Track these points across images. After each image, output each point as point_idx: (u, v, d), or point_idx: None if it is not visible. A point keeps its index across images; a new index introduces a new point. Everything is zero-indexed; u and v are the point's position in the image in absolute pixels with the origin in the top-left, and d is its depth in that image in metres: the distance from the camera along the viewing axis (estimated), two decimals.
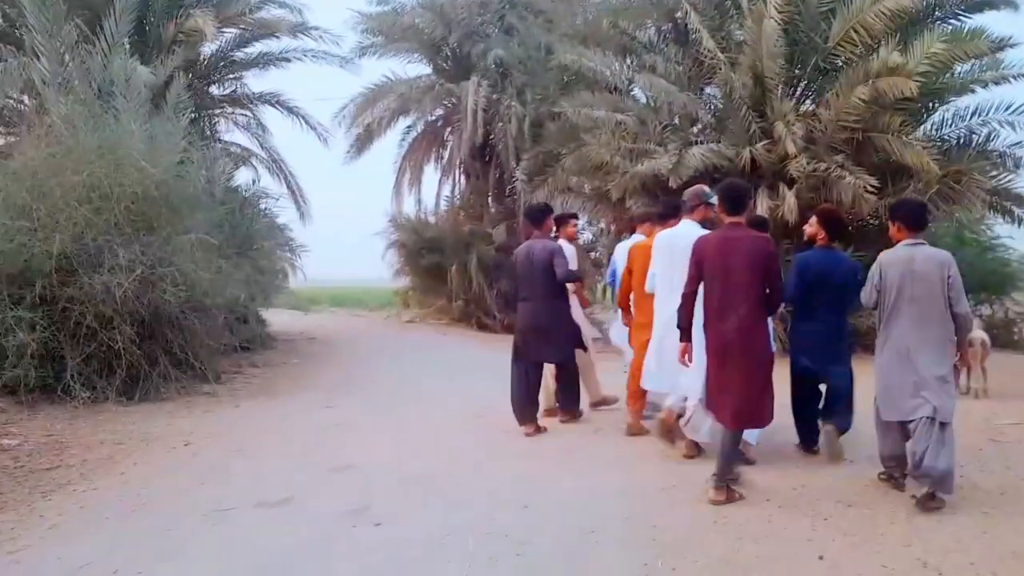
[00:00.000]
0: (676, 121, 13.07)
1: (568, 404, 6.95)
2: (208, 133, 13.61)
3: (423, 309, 21.26)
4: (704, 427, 5.37)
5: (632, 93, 14.08)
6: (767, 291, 4.63)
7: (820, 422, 5.50)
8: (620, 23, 14.00)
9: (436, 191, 21.08)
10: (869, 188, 10.42)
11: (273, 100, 14.91)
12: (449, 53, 19.88)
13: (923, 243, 4.63)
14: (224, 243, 9.42)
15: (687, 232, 5.39)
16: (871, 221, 11.85)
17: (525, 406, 6.52)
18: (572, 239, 7.46)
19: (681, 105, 12.60)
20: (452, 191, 20.50)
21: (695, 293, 4.77)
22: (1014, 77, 11.69)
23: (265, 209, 16.88)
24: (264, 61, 14.71)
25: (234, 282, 9.44)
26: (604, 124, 12.82)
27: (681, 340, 4.92)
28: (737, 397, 4.59)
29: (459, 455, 5.76)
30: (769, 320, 5.01)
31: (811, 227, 5.67)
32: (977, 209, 11.89)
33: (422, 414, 7.47)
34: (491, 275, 18.62)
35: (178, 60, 11.17)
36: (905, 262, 4.54)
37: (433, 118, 20.99)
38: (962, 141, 11.94)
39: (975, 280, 13.01)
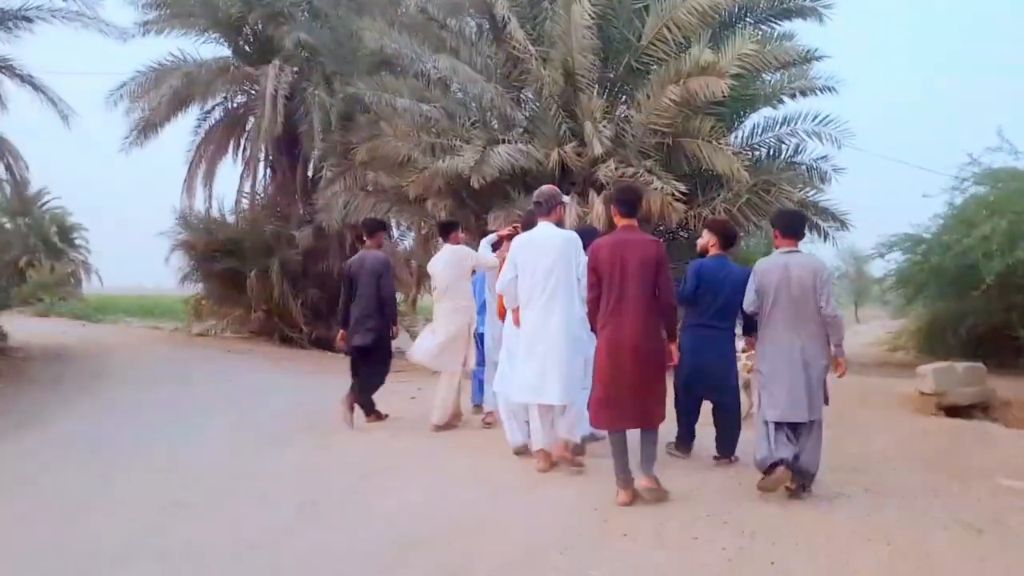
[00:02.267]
0: (493, 121, 11.97)
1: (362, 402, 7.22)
2: None
3: (219, 321, 18.90)
4: (583, 424, 5.37)
5: (450, 88, 12.88)
6: (656, 293, 4.64)
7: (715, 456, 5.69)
8: (429, 9, 12.71)
9: (238, 187, 18.79)
10: (678, 195, 9.74)
11: (2, 67, 12.30)
12: (251, 34, 17.81)
13: (798, 251, 4.91)
14: None
15: (548, 233, 5.36)
16: (680, 233, 11.25)
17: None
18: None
19: (490, 99, 11.48)
20: (253, 187, 18.30)
21: (598, 298, 4.72)
22: (820, 89, 11.59)
23: None
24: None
25: None
26: (407, 114, 11.46)
27: None
28: (639, 398, 4.60)
29: None
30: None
31: (703, 239, 5.83)
32: None
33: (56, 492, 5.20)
34: (298, 283, 16.75)
35: None
36: (781, 268, 4.77)
37: (234, 105, 18.79)
38: (772, 151, 11.71)
39: None
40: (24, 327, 19.06)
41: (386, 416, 7.35)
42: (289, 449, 6.34)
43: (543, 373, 5.28)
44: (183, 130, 18.63)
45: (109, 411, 8.32)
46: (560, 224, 5.50)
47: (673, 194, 9.71)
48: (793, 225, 5.01)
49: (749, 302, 4.95)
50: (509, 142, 10.89)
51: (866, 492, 4.96)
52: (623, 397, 4.60)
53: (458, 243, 7.09)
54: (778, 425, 4.77)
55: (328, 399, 8.78)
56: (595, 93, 10.44)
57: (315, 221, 15.03)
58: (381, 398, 7.51)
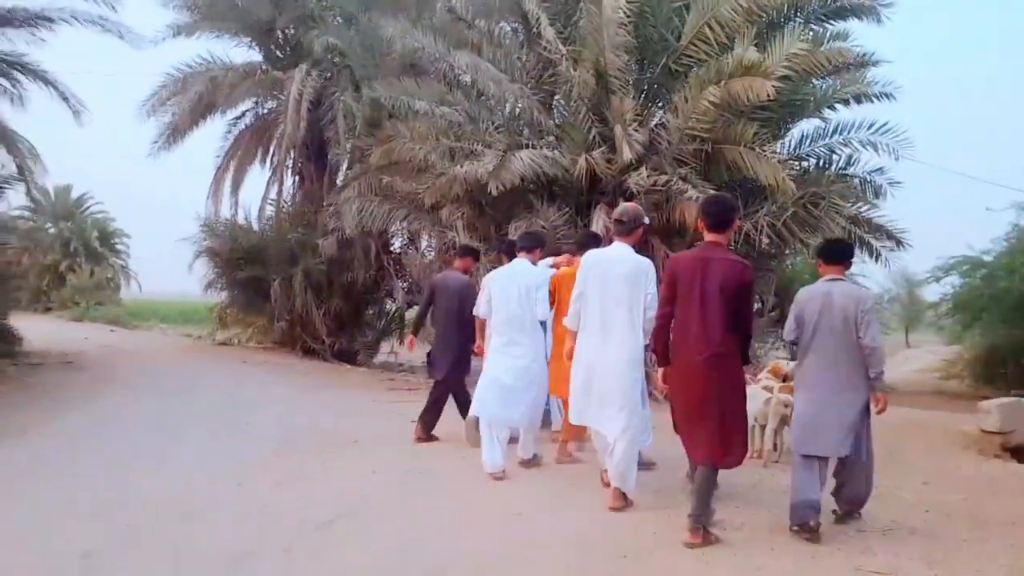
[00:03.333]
0: (523, 128, 11.28)
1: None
2: None
3: (244, 329, 18.54)
4: (632, 477, 4.95)
5: (474, 90, 12.27)
6: (736, 319, 4.32)
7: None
8: (457, 8, 12.10)
9: (263, 194, 18.42)
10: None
11: (15, 64, 12.04)
12: (281, 38, 17.50)
13: (842, 279, 4.75)
14: None
15: (622, 255, 5.05)
16: None
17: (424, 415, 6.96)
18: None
19: (516, 103, 10.82)
20: (279, 194, 17.87)
21: (670, 315, 4.46)
22: (877, 96, 10.66)
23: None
24: (19, 19, 11.86)
25: None
26: (426, 117, 10.84)
27: (660, 365, 4.62)
28: (713, 431, 4.28)
29: None
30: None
31: None
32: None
33: None
34: (322, 293, 16.24)
35: None
36: (822, 296, 4.62)
37: (264, 110, 18.48)
38: (822, 162, 10.75)
39: None
40: (51, 332, 18.97)
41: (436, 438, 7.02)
42: (252, 482, 5.58)
43: (601, 403, 5.01)
44: (219, 134, 18.53)
45: (90, 424, 7.75)
46: (636, 247, 5.21)
47: None
48: (835, 253, 4.88)
49: (789, 331, 4.75)
50: (535, 147, 10.18)
51: (928, 568, 4.05)
52: (694, 431, 4.34)
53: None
54: (808, 460, 4.54)
55: (322, 420, 8.12)
56: (628, 95, 9.67)
57: (332, 228, 14.40)
58: (381, 418, 6.86)
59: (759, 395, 6.48)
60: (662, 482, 5.49)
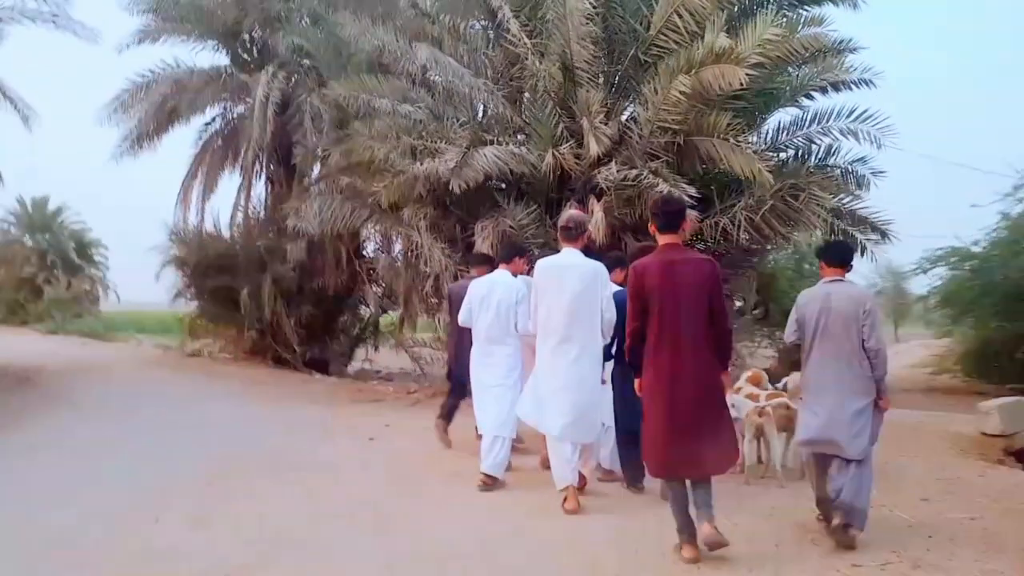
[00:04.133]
0: (495, 127, 10.82)
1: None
2: None
3: (214, 340, 17.99)
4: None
5: (437, 87, 11.77)
6: (711, 319, 4.23)
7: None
8: (420, 3, 11.62)
9: (234, 200, 17.89)
10: (689, 200, 8.43)
11: None
12: (248, 41, 17.00)
13: (843, 280, 4.70)
14: None
15: (574, 260, 5.12)
16: (693, 244, 9.90)
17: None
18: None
19: (484, 99, 10.36)
20: (246, 199, 17.34)
21: (643, 328, 4.28)
22: (855, 83, 10.25)
23: None
24: None
25: None
26: (388, 116, 10.37)
27: (636, 376, 4.45)
28: (696, 441, 4.13)
29: None
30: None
31: None
32: (816, 233, 10.24)
33: None
34: (292, 301, 15.73)
35: None
36: (823, 298, 4.60)
37: (233, 115, 17.97)
38: (800, 153, 10.33)
39: None
40: (20, 346, 18.41)
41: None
42: (167, 517, 4.95)
43: (560, 410, 5.04)
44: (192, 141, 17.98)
45: (19, 448, 7.14)
46: (587, 250, 5.32)
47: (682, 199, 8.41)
48: (833, 254, 4.83)
49: (790, 332, 4.74)
50: (501, 144, 9.72)
51: None
52: (681, 440, 4.16)
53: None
54: (819, 459, 4.60)
55: (268, 441, 7.60)
56: (596, 88, 9.24)
57: (295, 228, 13.82)
58: (333, 438, 6.33)
59: (742, 405, 6.04)
60: (623, 509, 5.07)
